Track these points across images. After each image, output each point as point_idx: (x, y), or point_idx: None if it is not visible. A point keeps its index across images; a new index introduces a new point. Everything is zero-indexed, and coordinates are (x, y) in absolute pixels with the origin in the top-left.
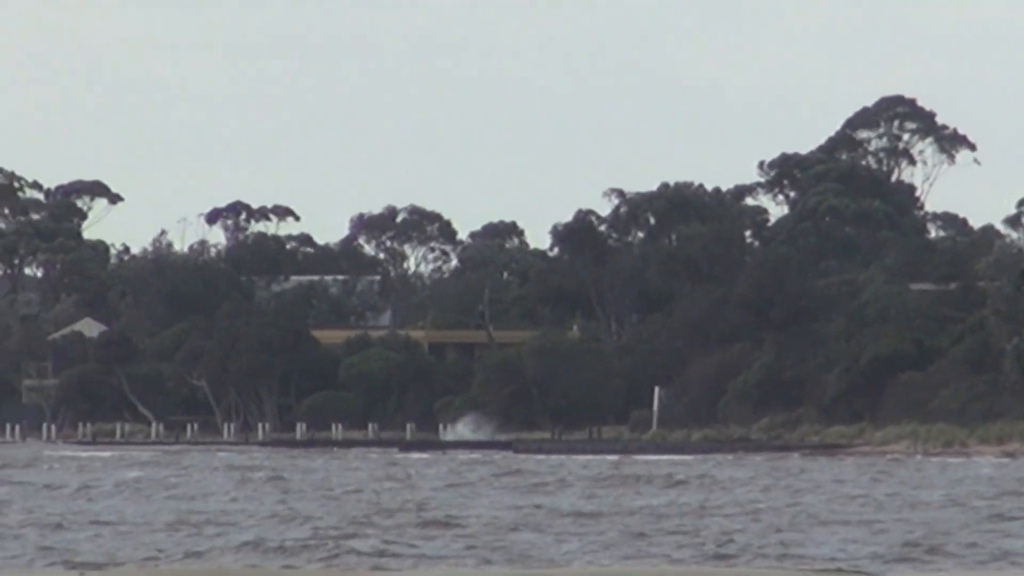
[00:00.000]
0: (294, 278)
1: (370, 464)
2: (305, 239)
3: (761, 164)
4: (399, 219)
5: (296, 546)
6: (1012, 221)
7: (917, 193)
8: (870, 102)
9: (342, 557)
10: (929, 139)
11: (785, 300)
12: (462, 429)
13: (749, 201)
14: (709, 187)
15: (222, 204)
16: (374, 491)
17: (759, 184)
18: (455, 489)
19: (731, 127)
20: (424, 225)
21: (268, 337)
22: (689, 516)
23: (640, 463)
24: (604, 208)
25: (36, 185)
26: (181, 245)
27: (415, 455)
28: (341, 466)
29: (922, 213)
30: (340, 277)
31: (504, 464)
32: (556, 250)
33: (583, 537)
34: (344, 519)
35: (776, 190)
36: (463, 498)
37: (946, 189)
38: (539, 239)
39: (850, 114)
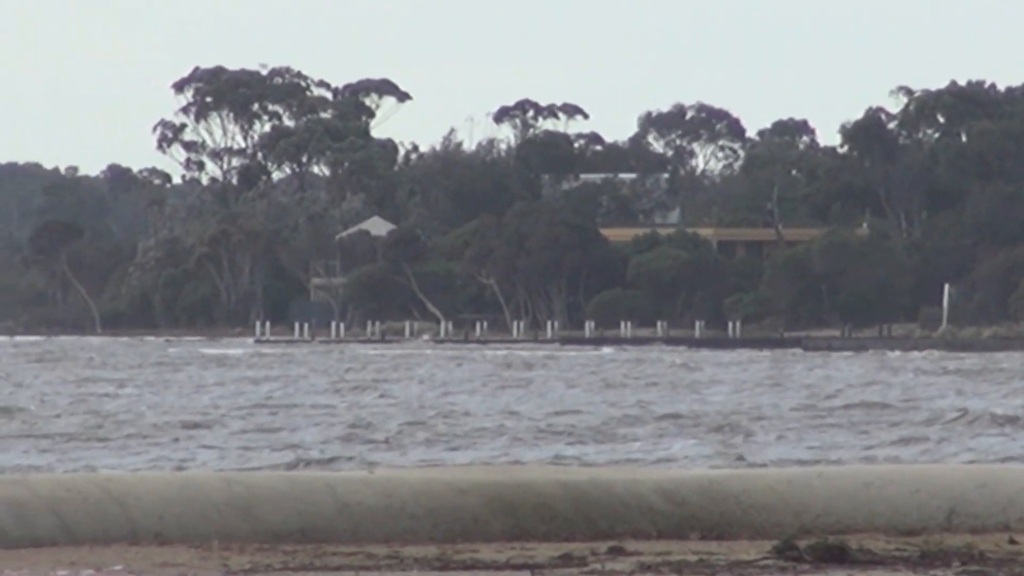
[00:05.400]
0: (583, 176)
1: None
2: (594, 137)
3: None
4: (688, 117)
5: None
6: None
7: None
8: None
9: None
10: None
11: None
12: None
13: None
14: (999, 84)
15: (510, 102)
16: None
17: None
18: None
19: (1020, 23)
20: (713, 123)
21: (557, 235)
22: None
23: None
24: (893, 106)
25: (324, 84)
26: (469, 143)
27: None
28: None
29: None
30: (629, 175)
31: None
32: (845, 148)
33: None
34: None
35: None
36: None
37: None
38: (828, 137)
39: None
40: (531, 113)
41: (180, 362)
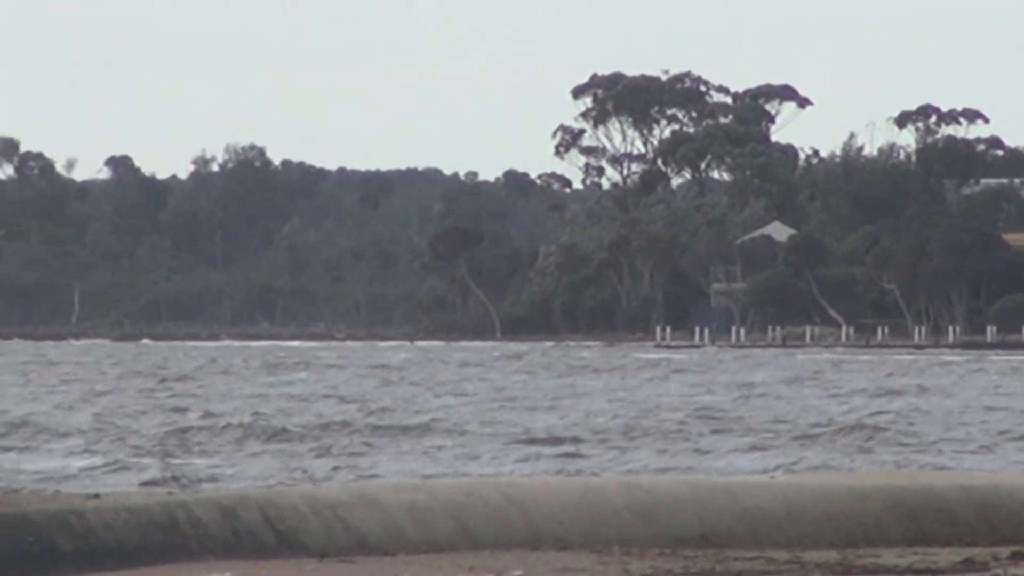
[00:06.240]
0: (984, 181)
1: None
2: (994, 141)
3: None
4: None
5: None
6: None
7: None
8: None
9: None
10: None
11: None
12: None
13: None
14: None
15: (911, 108)
16: None
17: None
18: None
19: None
20: None
21: (958, 240)
22: None
23: None
24: None
25: (723, 89)
26: (870, 148)
27: None
28: None
29: None
30: None
31: None
32: None
33: None
34: None
35: None
36: None
37: None
38: None
39: None
40: (933, 118)
41: (634, 366)
